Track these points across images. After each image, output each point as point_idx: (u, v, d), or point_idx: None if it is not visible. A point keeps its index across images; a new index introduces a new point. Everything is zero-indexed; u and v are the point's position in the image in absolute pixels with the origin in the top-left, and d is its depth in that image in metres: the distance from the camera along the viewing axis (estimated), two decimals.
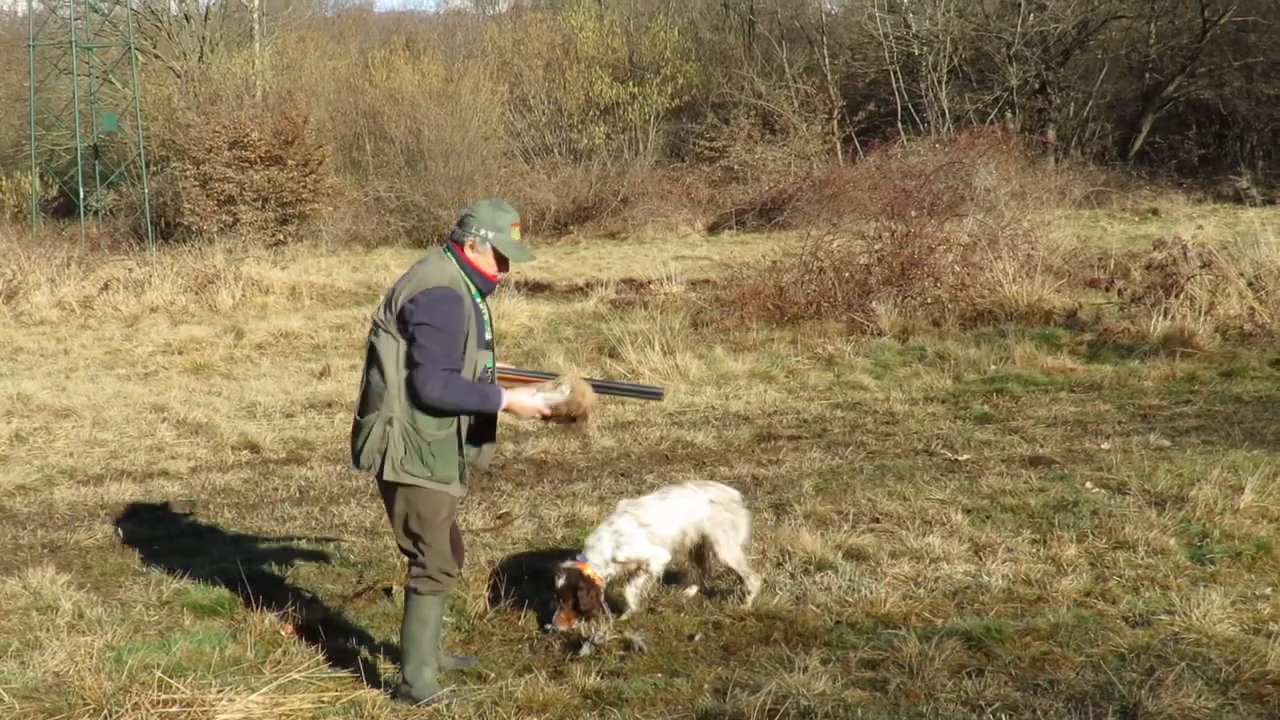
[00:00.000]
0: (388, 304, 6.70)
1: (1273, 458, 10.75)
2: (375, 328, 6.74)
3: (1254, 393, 13.99)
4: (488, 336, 6.90)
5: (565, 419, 6.95)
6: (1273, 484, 9.72)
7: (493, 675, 7.13)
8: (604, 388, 7.68)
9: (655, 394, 8.55)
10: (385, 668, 7.25)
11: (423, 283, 6.61)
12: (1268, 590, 7.90)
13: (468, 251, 6.79)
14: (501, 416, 6.96)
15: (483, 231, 6.76)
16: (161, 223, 43.40)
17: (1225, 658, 6.84)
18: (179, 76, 49.79)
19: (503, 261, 6.87)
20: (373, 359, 6.71)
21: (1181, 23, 45.12)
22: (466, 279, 6.76)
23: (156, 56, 51.97)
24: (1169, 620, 7.42)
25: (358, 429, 6.76)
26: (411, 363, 6.52)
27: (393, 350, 6.59)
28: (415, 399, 6.52)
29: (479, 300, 6.81)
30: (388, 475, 6.63)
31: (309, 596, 8.52)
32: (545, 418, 6.97)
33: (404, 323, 6.55)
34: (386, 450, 6.61)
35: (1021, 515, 9.73)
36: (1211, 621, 7.30)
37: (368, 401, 6.72)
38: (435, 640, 6.88)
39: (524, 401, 6.89)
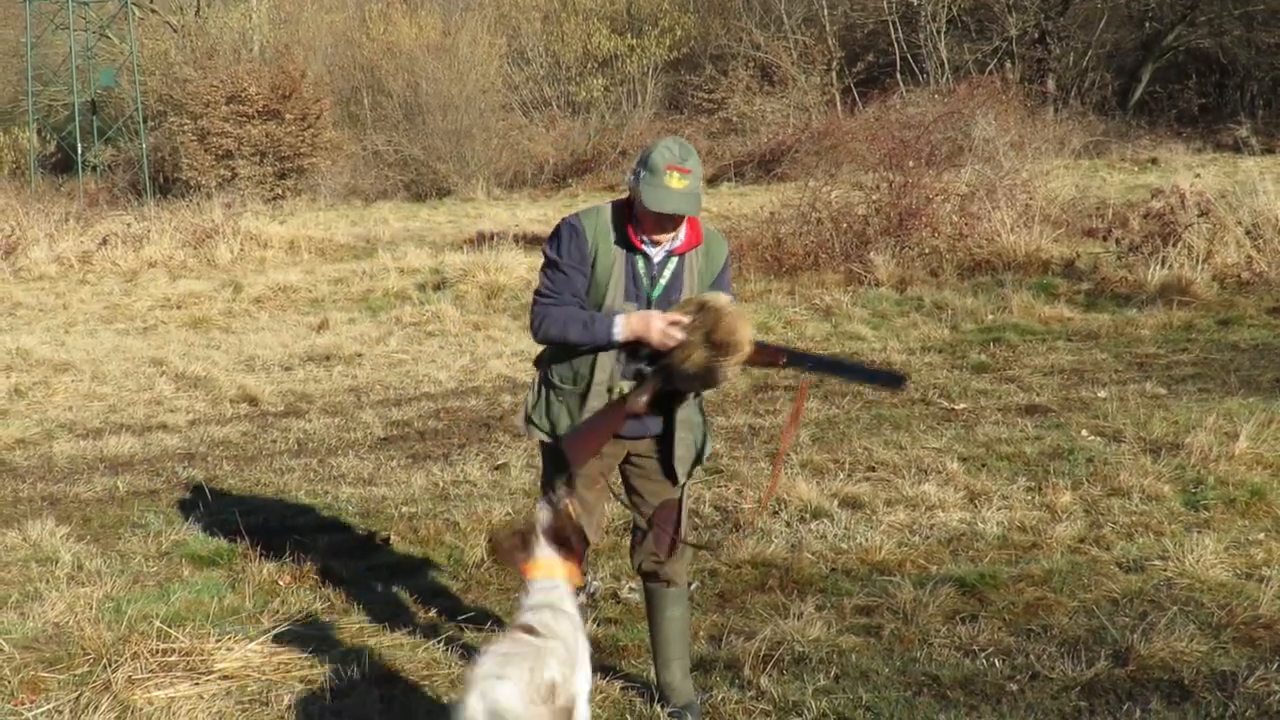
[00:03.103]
0: None
1: (1268, 405, 10.76)
2: None
3: (1250, 340, 14.00)
4: (649, 293, 5.74)
5: (709, 345, 5.45)
6: (1267, 431, 9.75)
7: (490, 623, 7.17)
8: (828, 366, 6.66)
9: (899, 381, 7.01)
10: (382, 617, 7.28)
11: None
12: (1260, 536, 7.93)
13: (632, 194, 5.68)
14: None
15: (638, 169, 5.59)
16: (160, 178, 43.36)
17: (1218, 602, 6.88)
18: (176, 31, 49.70)
19: (655, 216, 5.59)
20: None
21: None
22: (610, 222, 5.73)
23: (153, 11, 51.85)
24: (1162, 565, 7.45)
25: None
26: None
27: None
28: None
29: (640, 258, 5.70)
30: (520, 426, 6.03)
31: (307, 547, 8.55)
32: (683, 344, 5.48)
33: None
34: (527, 402, 5.98)
35: (1017, 463, 9.76)
36: (1204, 567, 7.33)
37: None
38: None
39: (650, 320, 5.56)
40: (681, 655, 6.11)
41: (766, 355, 5.78)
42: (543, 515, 5.37)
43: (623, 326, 5.58)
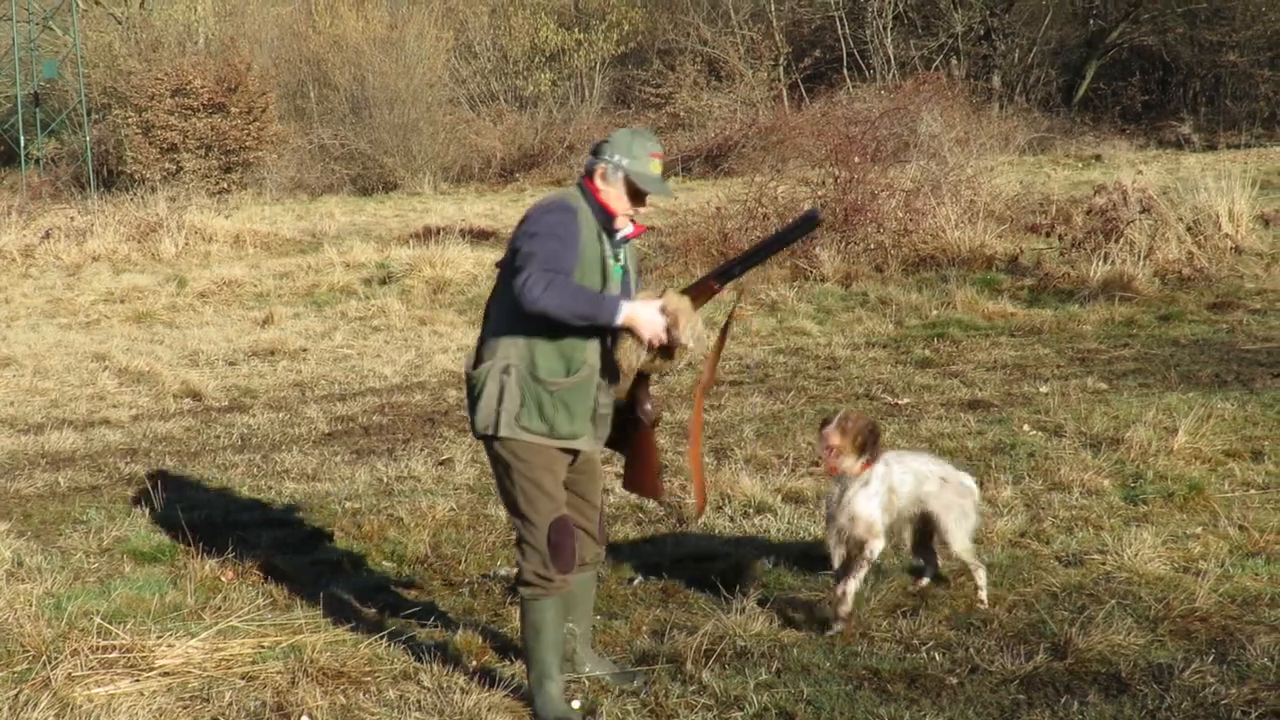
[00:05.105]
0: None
1: (1207, 400, 10.88)
2: (499, 273, 5.96)
3: (1190, 336, 14.13)
4: (627, 286, 6.04)
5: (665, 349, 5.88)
6: (1206, 426, 9.83)
7: (433, 619, 7.17)
8: (754, 256, 6.29)
9: (813, 218, 6.34)
10: (324, 613, 7.26)
11: (534, 205, 5.90)
12: (1198, 529, 8.01)
13: (596, 181, 5.88)
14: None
15: (615, 158, 5.84)
16: (104, 171, 42.96)
17: (1155, 595, 6.94)
18: (120, 23, 49.24)
19: (637, 196, 5.89)
20: (492, 304, 5.98)
21: None
22: (591, 214, 5.88)
23: (97, 3, 51.33)
24: (1101, 559, 7.51)
25: (469, 386, 5.94)
26: (515, 274, 5.60)
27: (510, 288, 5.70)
28: (520, 317, 5.64)
29: (607, 243, 5.90)
30: (503, 430, 5.77)
31: (250, 543, 8.52)
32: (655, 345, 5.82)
33: (515, 249, 5.71)
34: (503, 403, 5.76)
35: (959, 458, 9.76)
36: (1143, 560, 7.39)
37: (480, 352, 5.92)
38: (557, 647, 6.01)
39: (647, 315, 5.73)
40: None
41: (704, 295, 6.06)
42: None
43: (624, 313, 5.66)
